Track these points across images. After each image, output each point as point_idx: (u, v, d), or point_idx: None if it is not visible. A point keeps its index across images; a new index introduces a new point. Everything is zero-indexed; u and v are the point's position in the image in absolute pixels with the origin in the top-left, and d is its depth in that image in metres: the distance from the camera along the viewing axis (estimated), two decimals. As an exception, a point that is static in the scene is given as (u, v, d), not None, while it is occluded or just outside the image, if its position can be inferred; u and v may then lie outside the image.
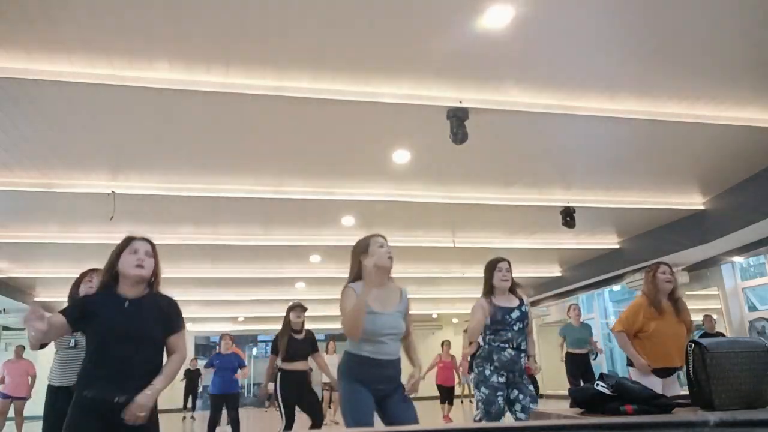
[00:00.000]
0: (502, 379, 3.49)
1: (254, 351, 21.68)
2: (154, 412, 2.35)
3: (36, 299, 10.97)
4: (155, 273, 2.44)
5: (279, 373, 5.26)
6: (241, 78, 4.00)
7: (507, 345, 3.51)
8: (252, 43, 3.65)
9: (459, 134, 4.39)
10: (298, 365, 5.25)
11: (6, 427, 8.85)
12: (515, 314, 3.55)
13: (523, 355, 3.55)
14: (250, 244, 7.97)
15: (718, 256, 8.20)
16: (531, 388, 3.54)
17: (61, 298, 11.61)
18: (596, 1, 3.41)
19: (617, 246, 9.39)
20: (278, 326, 5.53)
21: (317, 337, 5.70)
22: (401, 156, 5.49)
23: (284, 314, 5.46)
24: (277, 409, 5.34)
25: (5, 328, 13.33)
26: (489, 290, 3.64)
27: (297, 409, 5.35)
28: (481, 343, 3.69)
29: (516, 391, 3.47)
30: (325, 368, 5.57)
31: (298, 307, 5.34)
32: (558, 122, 4.80)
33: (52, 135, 4.71)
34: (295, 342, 5.26)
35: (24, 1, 3.15)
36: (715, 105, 4.74)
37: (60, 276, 9.46)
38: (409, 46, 3.78)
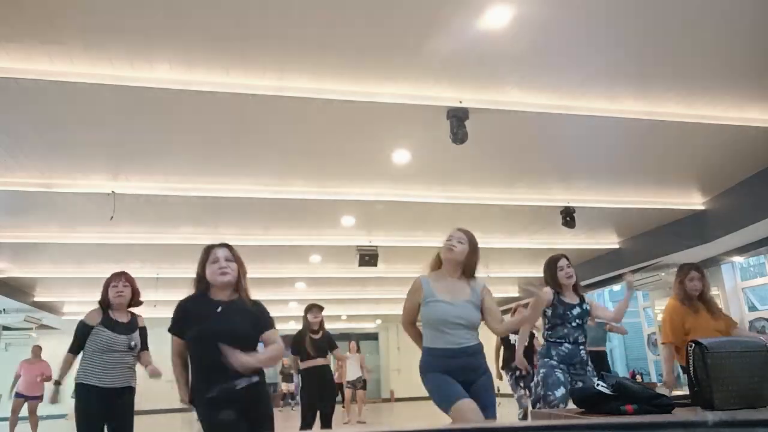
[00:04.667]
0: (563, 368, 3.56)
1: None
2: (269, 406, 2.69)
3: (35, 299, 10.97)
4: (241, 273, 2.65)
5: (300, 374, 5.47)
6: (241, 78, 4.00)
7: (563, 340, 3.61)
8: (252, 43, 3.65)
9: (459, 134, 4.39)
10: (318, 361, 5.45)
11: (18, 426, 8.85)
12: (576, 311, 3.66)
13: (581, 348, 3.64)
14: (250, 244, 7.96)
15: (718, 256, 8.19)
16: (595, 379, 3.53)
17: (61, 298, 11.63)
18: (596, 1, 3.42)
19: (617, 246, 9.39)
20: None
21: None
22: (401, 156, 5.49)
23: (303, 315, 5.67)
24: (293, 408, 5.45)
25: (5, 328, 13.31)
26: (556, 287, 3.72)
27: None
28: (541, 341, 3.79)
29: (580, 384, 3.53)
30: (343, 362, 5.69)
31: (314, 308, 5.56)
32: (558, 122, 4.80)
33: (52, 135, 4.71)
34: (313, 341, 5.47)
35: (24, 1, 3.15)
36: (715, 105, 4.74)
37: (60, 276, 9.47)
38: (409, 46, 3.77)
